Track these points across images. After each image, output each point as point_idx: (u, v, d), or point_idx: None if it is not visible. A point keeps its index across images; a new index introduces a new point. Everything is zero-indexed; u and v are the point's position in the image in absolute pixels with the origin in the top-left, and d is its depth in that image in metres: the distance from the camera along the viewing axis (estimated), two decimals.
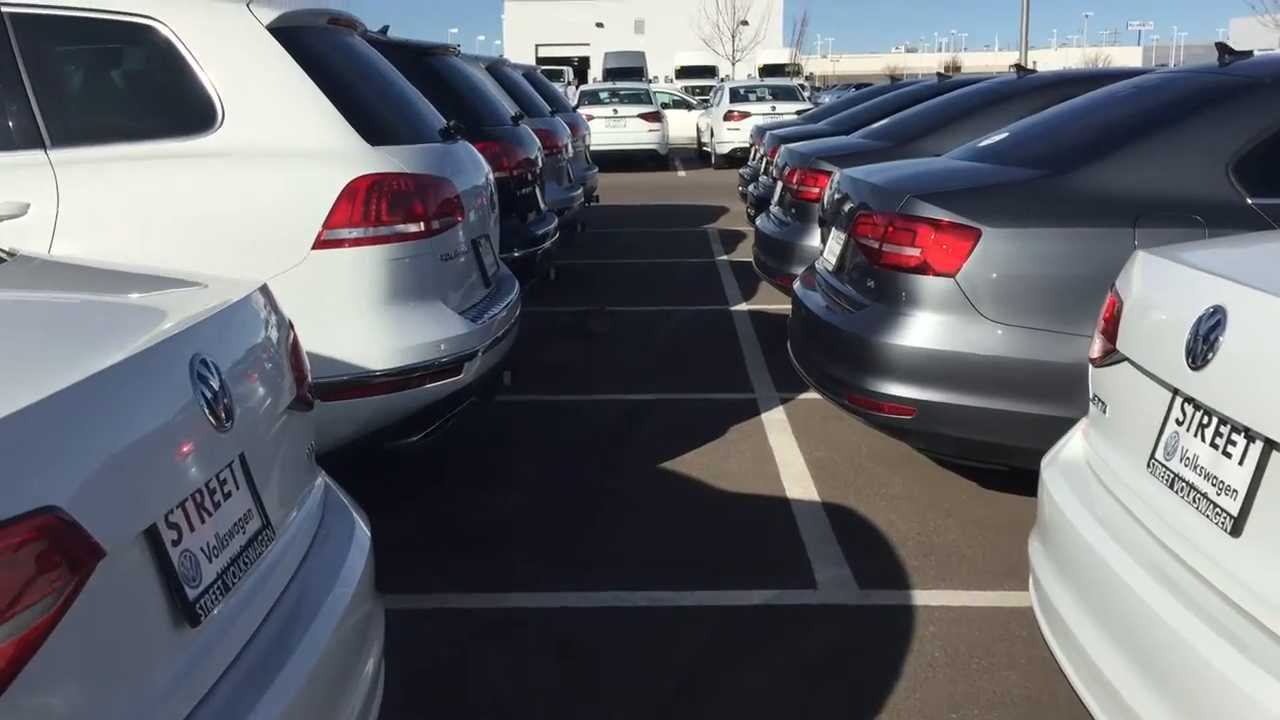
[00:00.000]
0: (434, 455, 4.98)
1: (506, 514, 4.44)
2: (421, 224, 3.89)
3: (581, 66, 57.73)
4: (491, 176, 4.98)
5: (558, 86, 19.86)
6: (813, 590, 3.74)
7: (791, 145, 7.47)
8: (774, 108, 21.83)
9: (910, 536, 4.16)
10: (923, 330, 3.91)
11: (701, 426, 5.55)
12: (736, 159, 21.25)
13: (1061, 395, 3.76)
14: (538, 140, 7.78)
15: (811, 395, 6.02)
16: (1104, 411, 2.45)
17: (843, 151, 6.82)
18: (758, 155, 11.88)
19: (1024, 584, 3.76)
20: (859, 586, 3.76)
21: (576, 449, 5.23)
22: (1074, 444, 2.64)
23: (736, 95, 23.20)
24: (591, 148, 15.68)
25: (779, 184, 7.54)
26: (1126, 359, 2.34)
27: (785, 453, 5.16)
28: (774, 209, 7.54)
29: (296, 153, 3.76)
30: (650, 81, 35.57)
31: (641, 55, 44.85)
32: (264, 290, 2.21)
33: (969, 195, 3.97)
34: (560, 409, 5.90)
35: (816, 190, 6.67)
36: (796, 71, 46.60)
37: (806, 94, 25.83)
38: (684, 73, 46.51)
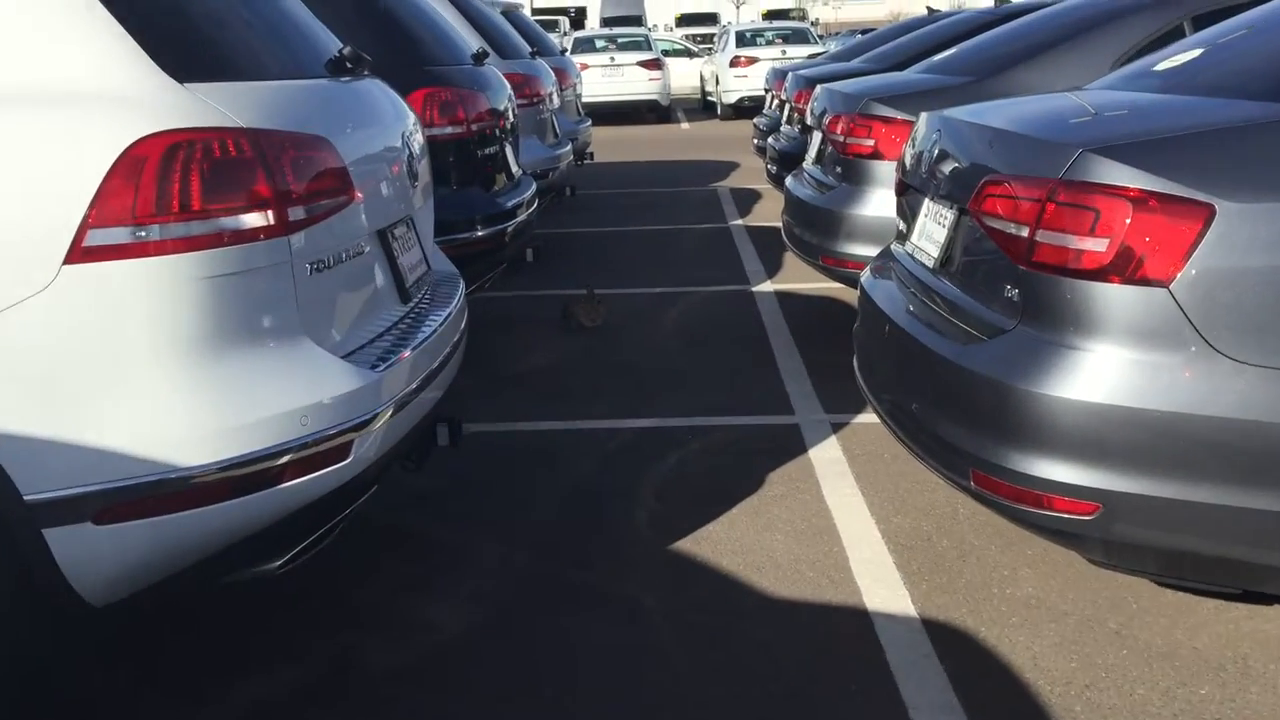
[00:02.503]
0: (343, 537, 3.43)
1: (440, 647, 2.90)
2: (270, 212, 2.31)
3: (579, 17, 55.63)
4: (418, 131, 3.39)
5: (553, 38, 18.08)
6: None
7: (832, 86, 5.84)
8: (784, 51, 20.03)
9: (1077, 693, 2.61)
10: (1113, 376, 2.34)
11: (728, 473, 4.00)
12: (744, 109, 19.62)
13: None
14: (509, 86, 6.16)
15: (874, 417, 4.46)
16: None
17: (908, 91, 5.20)
18: (775, 103, 10.25)
19: None
20: None
21: (552, 518, 3.68)
22: None
23: (743, 39, 21.37)
24: (585, 99, 14.04)
25: (815, 135, 5.93)
26: None
27: (850, 519, 3.61)
28: (809, 167, 5.93)
29: (39, 95, 2.18)
30: (650, 30, 33.65)
31: (640, 3, 42.82)
32: None
33: (1187, 149, 2.39)
34: (533, 447, 4.34)
35: (871, 143, 5.08)
36: (802, 17, 44.50)
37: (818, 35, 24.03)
38: (684, 20, 44.49)
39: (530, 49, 9.09)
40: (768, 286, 7.01)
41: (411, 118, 3.37)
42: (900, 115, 5.03)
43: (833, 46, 20.41)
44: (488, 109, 5.33)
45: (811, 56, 16.32)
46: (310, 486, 2.37)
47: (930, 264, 3.06)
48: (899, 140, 5.03)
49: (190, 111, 2.24)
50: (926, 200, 3.23)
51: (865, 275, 3.60)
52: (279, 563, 2.42)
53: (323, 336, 2.48)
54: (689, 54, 28.13)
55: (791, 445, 4.28)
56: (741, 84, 19.95)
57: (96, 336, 2.15)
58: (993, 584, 3.14)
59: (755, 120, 11.04)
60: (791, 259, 7.61)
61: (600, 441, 4.36)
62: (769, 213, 9.75)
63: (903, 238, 3.48)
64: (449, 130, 4.94)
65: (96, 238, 2.12)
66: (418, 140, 3.34)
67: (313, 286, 2.46)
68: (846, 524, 3.57)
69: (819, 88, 6.01)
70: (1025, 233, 2.48)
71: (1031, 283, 2.48)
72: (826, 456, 4.16)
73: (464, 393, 4.49)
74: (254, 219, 2.28)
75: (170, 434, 2.19)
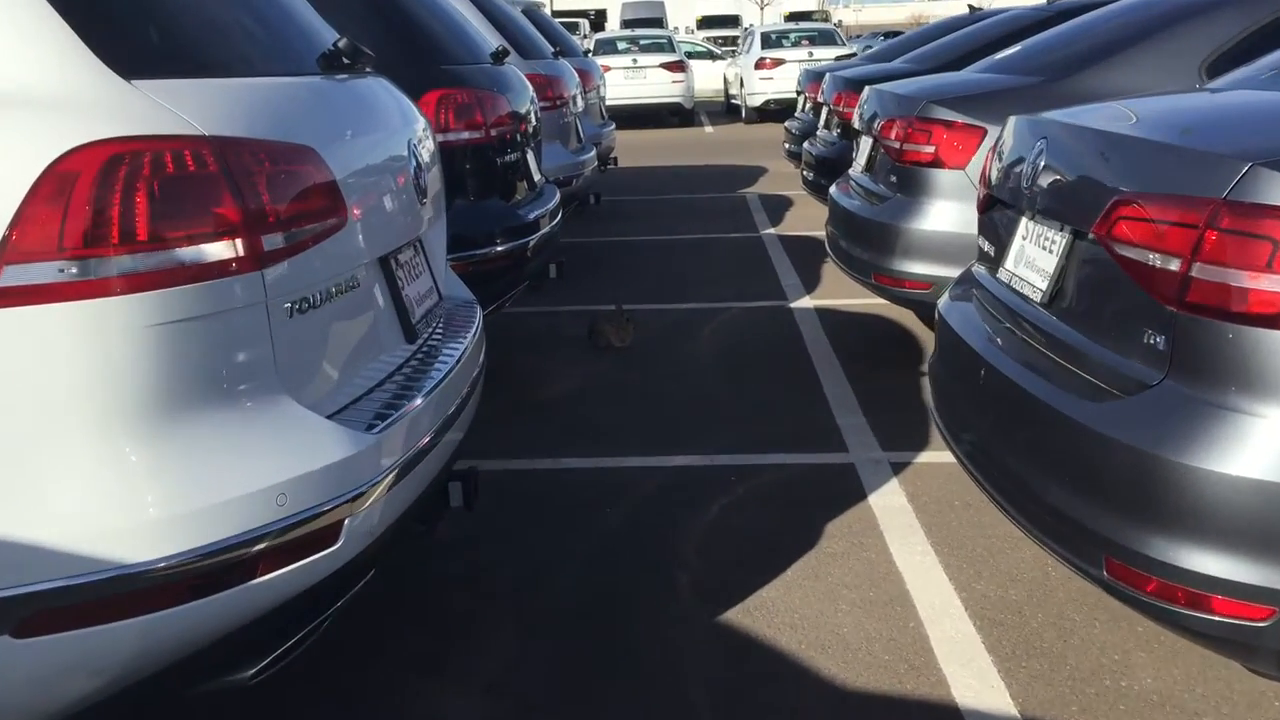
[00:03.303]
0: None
1: None
2: (239, 241, 1.86)
3: (599, 20, 55.25)
4: (428, 138, 2.93)
5: (574, 39, 17.56)
6: None
7: (884, 87, 5.35)
8: (811, 53, 19.51)
9: None
10: None
11: (779, 524, 3.53)
12: (770, 112, 19.15)
13: None
14: (531, 88, 5.70)
15: (940, 457, 3.99)
16: None
17: (972, 92, 4.70)
18: (809, 106, 9.77)
19: None
20: None
21: (580, 580, 3.21)
22: None
23: (768, 41, 20.85)
24: (608, 102, 13.58)
25: (864, 140, 5.44)
26: None
27: (926, 585, 3.13)
28: (858, 176, 5.44)
29: None
30: (671, 32, 33.21)
31: (661, 5, 42.40)
32: None
33: None
34: (557, 490, 3.87)
35: (931, 149, 4.59)
36: (825, 19, 43.98)
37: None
38: (706, 23, 44.05)
39: (553, 48, 8.63)
40: (807, 303, 6.53)
41: (421, 122, 2.91)
42: (963, 119, 4.55)
43: (856, 48, 19.88)
44: (508, 112, 4.87)
45: (839, 58, 15.80)
46: (291, 579, 1.92)
47: (1037, 297, 2.57)
48: (961, 147, 4.55)
49: (137, 115, 1.78)
50: (1024, 220, 2.75)
51: (944, 303, 3.12)
52: (253, 671, 1.95)
53: (306, 392, 2.02)
54: (711, 56, 27.66)
55: (849, 490, 3.80)
56: (767, 86, 19.46)
57: (16, 401, 1.69)
58: (1103, 673, 2.66)
59: (787, 124, 10.55)
60: (831, 272, 7.15)
61: (633, 483, 3.89)
62: (802, 221, 9.28)
63: (991, 262, 3.00)
64: (466, 135, 4.48)
65: (14, 276, 1.67)
66: (427, 148, 2.88)
67: (294, 331, 2.00)
68: (921, 591, 3.09)
69: (868, 89, 5.52)
70: (1176, 266, 2.00)
71: (1184, 328, 2.00)
72: (890, 504, 3.68)
73: (481, 423, 4.03)
74: (218, 250, 1.82)
75: (113, 523, 1.73)
